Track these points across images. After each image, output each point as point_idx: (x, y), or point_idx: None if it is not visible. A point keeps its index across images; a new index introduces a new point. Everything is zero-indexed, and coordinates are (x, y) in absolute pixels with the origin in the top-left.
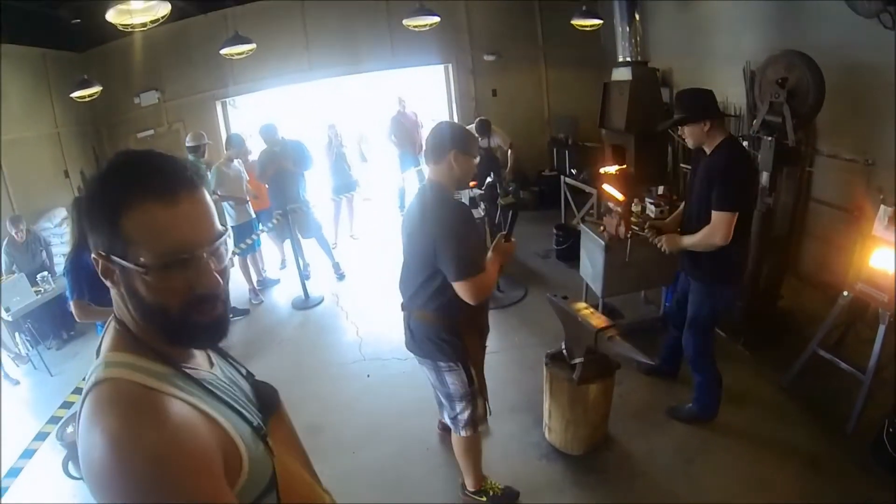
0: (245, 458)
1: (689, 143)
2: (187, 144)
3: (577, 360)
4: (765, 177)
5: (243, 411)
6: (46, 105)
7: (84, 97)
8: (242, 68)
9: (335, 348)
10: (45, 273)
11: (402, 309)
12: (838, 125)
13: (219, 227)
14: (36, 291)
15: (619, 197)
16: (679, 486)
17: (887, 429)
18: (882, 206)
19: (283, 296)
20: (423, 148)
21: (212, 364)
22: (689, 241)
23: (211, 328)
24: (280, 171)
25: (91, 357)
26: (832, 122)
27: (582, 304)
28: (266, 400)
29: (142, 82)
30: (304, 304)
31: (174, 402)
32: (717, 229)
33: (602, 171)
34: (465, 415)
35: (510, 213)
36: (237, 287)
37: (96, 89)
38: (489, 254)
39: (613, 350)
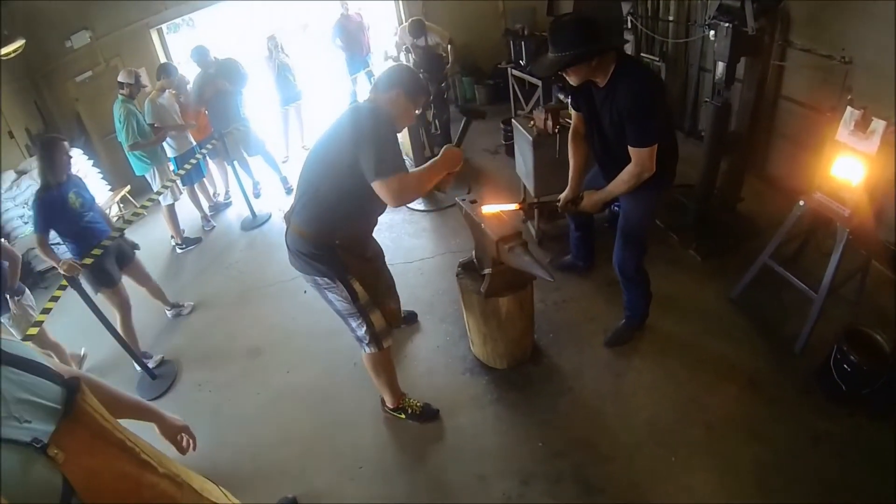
0: None
1: (573, 81)
2: (120, 80)
3: (486, 272)
4: (720, 67)
5: (11, 434)
6: None
7: (8, 54)
8: None
9: (278, 266)
10: (2, 239)
11: (285, 223)
12: (815, 16)
13: None
14: None
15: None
16: (605, 404)
17: (835, 354)
18: (848, 108)
19: (235, 218)
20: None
21: None
22: (615, 188)
23: None
24: (218, 92)
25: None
26: (808, 12)
27: (496, 207)
28: (69, 394)
29: (71, 24)
30: (252, 223)
31: None
32: (642, 167)
33: None
34: (363, 331)
35: (464, 120)
36: (189, 217)
37: (18, 44)
38: (433, 160)
39: (514, 262)
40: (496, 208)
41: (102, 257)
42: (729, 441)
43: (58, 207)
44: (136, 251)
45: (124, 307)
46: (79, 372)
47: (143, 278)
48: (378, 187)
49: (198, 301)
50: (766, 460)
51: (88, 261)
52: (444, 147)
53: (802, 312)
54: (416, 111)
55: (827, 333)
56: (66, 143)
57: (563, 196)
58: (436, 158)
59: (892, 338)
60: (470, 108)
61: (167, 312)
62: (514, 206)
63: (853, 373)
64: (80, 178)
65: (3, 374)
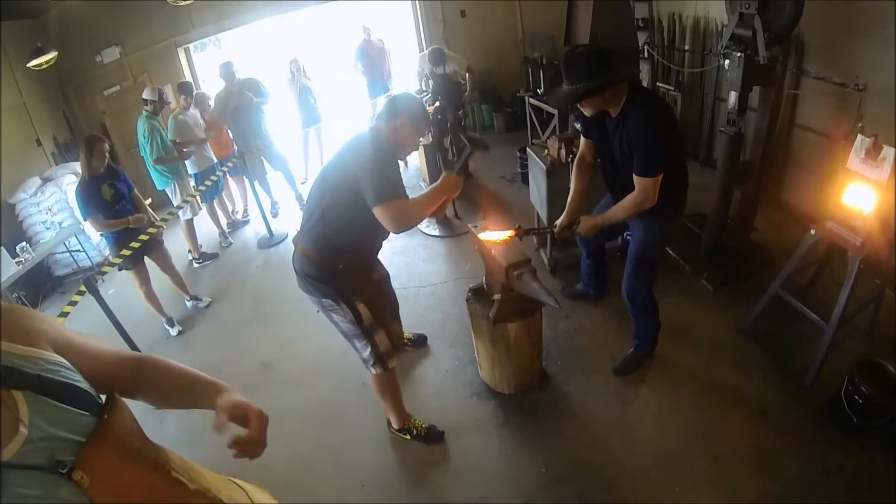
0: None
1: (588, 112)
2: (144, 97)
3: (495, 297)
4: (733, 97)
5: (34, 460)
6: (8, 77)
7: (41, 65)
8: (200, 11)
9: (292, 284)
10: (24, 243)
11: (293, 245)
12: (830, 43)
13: None
14: (18, 262)
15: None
16: (611, 432)
17: (846, 386)
18: (859, 136)
19: (252, 235)
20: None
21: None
22: (614, 214)
23: None
24: (240, 107)
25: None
26: (823, 39)
27: (493, 235)
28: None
29: (101, 39)
30: (269, 242)
31: None
32: (645, 196)
33: None
34: (367, 353)
35: (467, 148)
36: (207, 232)
37: (52, 55)
38: (432, 186)
39: (522, 289)
40: (493, 236)
41: (128, 242)
42: (736, 472)
43: (91, 196)
44: (163, 239)
45: (145, 283)
46: (143, 355)
47: (166, 265)
48: (378, 213)
49: (212, 315)
50: (774, 493)
51: (136, 245)
52: (444, 174)
53: (814, 343)
54: (419, 142)
55: (839, 364)
56: (105, 143)
57: (558, 221)
58: (435, 185)
59: None
60: (475, 139)
61: (186, 303)
62: (509, 234)
63: (865, 405)
64: (122, 172)
65: (37, 406)
